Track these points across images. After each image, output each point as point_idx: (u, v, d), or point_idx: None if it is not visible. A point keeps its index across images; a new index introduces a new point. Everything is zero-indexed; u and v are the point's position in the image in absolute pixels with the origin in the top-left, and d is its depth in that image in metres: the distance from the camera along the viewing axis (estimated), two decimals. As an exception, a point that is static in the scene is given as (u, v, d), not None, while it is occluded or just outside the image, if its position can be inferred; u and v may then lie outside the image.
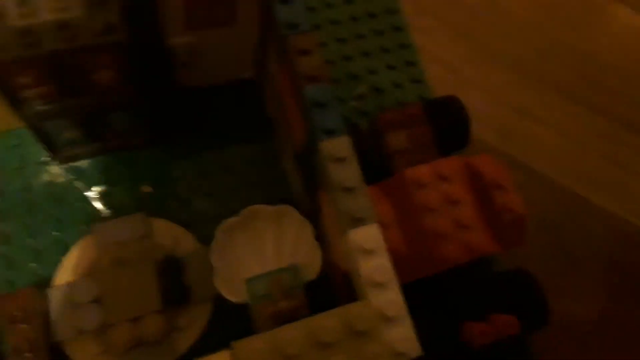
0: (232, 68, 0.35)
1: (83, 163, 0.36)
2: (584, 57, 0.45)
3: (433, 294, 0.30)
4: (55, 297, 0.29)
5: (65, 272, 0.31)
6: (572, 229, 0.39)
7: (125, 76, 0.29)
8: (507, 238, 0.29)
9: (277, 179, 0.36)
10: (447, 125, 0.34)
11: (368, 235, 0.25)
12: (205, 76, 0.34)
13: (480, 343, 0.28)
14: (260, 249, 0.31)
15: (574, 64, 0.45)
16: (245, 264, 0.30)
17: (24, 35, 0.25)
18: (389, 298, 0.24)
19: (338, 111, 0.27)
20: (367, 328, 0.23)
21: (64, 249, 0.33)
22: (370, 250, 0.25)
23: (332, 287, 0.30)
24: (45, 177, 0.35)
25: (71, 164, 0.35)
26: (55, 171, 0.35)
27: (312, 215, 0.31)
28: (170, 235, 0.32)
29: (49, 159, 0.35)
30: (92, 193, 0.35)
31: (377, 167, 0.33)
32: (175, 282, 0.30)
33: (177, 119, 0.37)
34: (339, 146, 0.27)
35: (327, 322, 0.23)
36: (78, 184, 0.35)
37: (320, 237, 0.31)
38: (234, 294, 0.29)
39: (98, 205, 0.35)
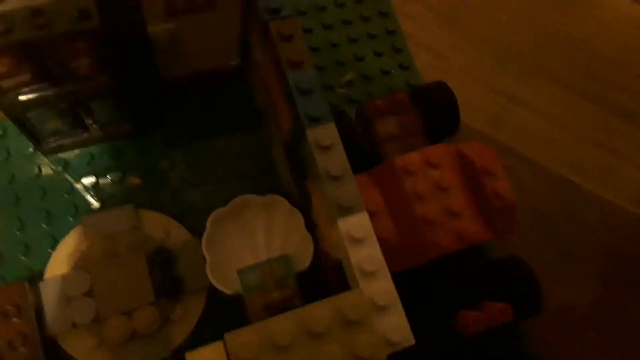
0: (217, 56, 0.34)
1: (70, 154, 0.35)
2: (575, 44, 0.45)
3: (426, 282, 0.30)
4: (47, 291, 0.29)
5: (56, 265, 0.31)
6: (564, 216, 0.39)
7: (103, 64, 0.29)
8: (497, 225, 0.29)
9: (267, 169, 0.36)
10: (436, 112, 0.34)
11: (357, 224, 0.25)
12: (190, 64, 0.33)
13: (473, 331, 0.28)
14: (251, 239, 0.31)
15: (565, 51, 0.45)
16: (236, 254, 0.30)
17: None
18: (380, 287, 0.24)
19: (323, 98, 0.27)
20: (359, 317, 0.23)
21: (54, 242, 0.33)
22: (359, 239, 0.25)
23: (324, 277, 0.30)
24: (32, 169, 0.35)
25: (58, 155, 0.35)
26: (42, 163, 0.35)
27: (303, 205, 0.31)
28: (160, 226, 0.32)
29: (34, 150, 0.35)
30: (80, 185, 0.35)
31: (366, 155, 0.33)
32: (167, 274, 0.30)
33: (163, 109, 0.36)
34: (325, 134, 0.27)
35: (319, 312, 0.23)
36: (66, 176, 0.35)
37: (311, 227, 0.30)
38: (227, 285, 0.29)
39: (87, 197, 0.34)
